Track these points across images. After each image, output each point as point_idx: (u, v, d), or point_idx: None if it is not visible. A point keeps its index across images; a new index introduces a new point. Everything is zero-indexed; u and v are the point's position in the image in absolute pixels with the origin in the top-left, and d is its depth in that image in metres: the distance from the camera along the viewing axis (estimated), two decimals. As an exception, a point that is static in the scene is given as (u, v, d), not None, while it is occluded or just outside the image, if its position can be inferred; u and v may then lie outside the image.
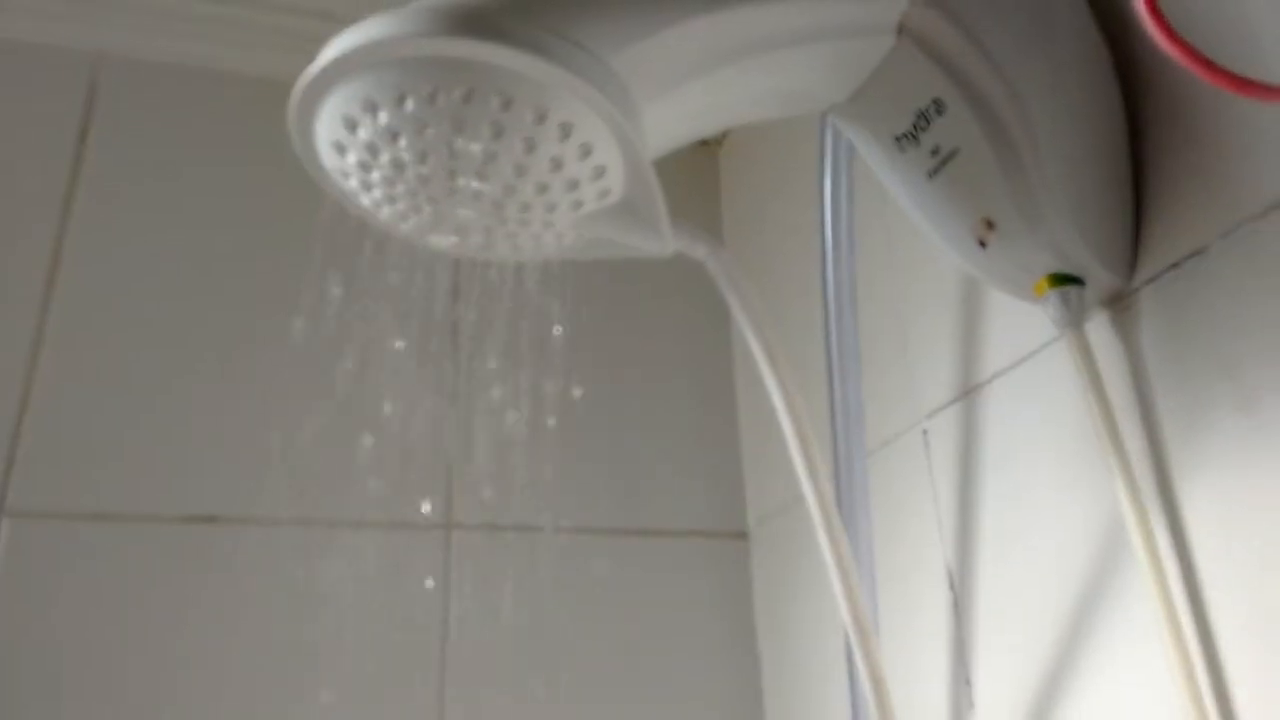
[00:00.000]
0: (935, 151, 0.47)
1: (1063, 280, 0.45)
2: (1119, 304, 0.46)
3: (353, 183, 0.37)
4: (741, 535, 0.84)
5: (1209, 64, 0.29)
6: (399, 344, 0.82)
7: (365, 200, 0.38)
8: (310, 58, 0.95)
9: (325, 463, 0.77)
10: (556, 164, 0.35)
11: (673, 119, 0.43)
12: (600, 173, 0.36)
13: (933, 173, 0.47)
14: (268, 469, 0.75)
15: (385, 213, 0.38)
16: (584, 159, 0.36)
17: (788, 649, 0.75)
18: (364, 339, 0.81)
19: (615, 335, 0.87)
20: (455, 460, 0.78)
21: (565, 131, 0.34)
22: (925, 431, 0.60)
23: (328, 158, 0.37)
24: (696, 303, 0.89)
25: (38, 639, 0.66)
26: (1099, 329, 0.46)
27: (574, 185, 0.36)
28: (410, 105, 0.33)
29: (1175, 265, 0.43)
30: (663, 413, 0.86)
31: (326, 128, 0.35)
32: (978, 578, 0.54)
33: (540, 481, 0.83)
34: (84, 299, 0.75)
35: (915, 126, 0.47)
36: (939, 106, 0.46)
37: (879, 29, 0.45)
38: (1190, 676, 0.38)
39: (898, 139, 0.48)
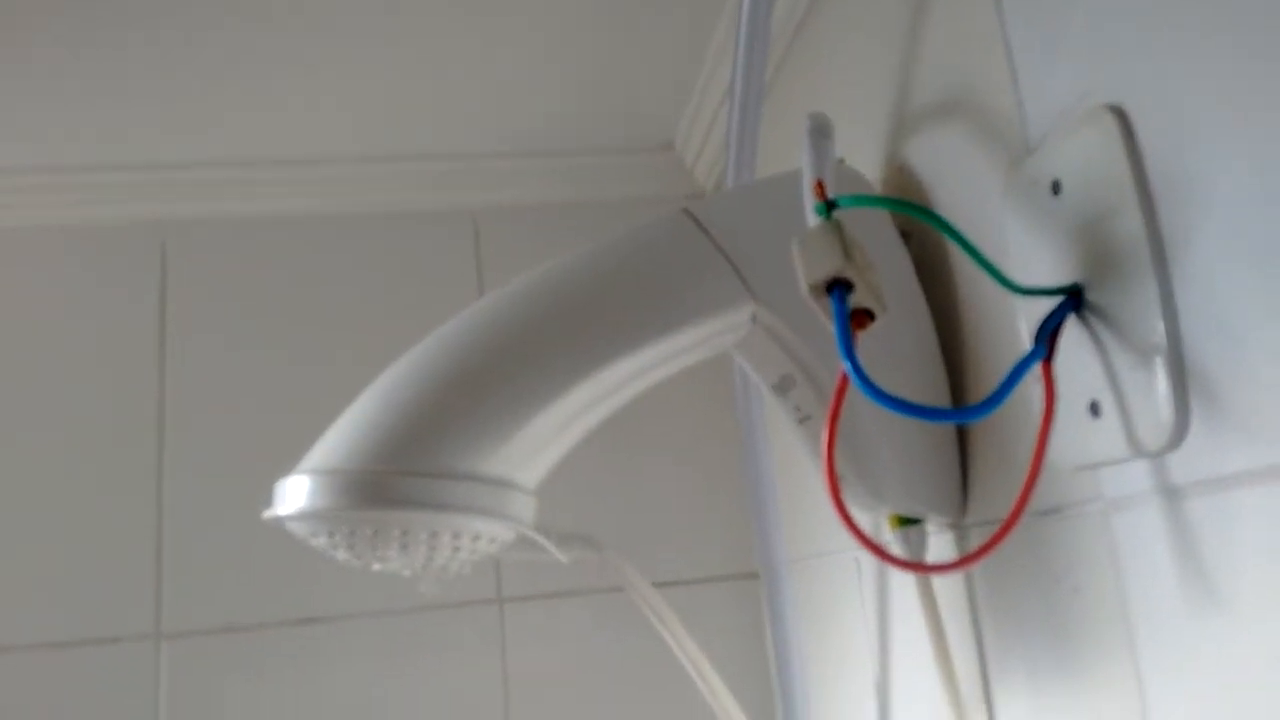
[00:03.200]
0: (798, 409, 0.56)
1: (905, 522, 0.54)
2: (958, 530, 0.55)
3: (324, 549, 0.51)
4: (752, 576, 0.97)
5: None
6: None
7: (339, 555, 0.51)
8: (325, 195, 1.08)
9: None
10: (455, 547, 0.48)
11: (579, 431, 0.53)
12: (494, 539, 0.49)
13: (800, 423, 0.56)
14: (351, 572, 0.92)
15: (353, 563, 0.51)
16: (477, 540, 0.48)
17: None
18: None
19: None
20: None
21: (456, 534, 0.47)
22: (857, 560, 0.70)
23: (302, 536, 0.50)
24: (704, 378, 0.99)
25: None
26: (945, 545, 0.56)
27: (473, 550, 0.49)
28: (339, 536, 0.46)
29: (989, 521, 0.51)
30: (676, 473, 0.99)
31: (296, 530, 0.49)
32: (892, 693, 0.66)
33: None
34: (186, 443, 0.93)
35: (782, 384, 0.56)
36: (791, 380, 0.54)
37: (738, 325, 0.54)
38: None
39: (773, 387, 0.57)
